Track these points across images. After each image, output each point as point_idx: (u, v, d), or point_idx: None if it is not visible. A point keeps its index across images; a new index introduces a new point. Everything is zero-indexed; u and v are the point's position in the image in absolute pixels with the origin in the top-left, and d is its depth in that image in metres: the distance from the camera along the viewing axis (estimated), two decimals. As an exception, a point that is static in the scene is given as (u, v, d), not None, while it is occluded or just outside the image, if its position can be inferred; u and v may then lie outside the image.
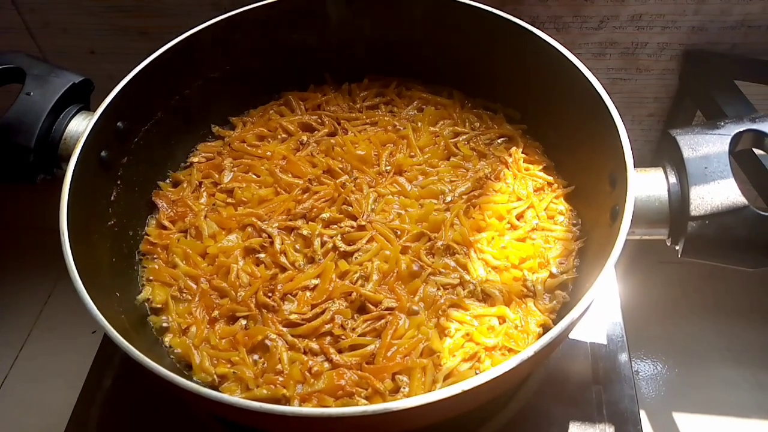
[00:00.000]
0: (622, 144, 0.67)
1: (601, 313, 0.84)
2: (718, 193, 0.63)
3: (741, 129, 0.67)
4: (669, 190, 0.67)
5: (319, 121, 0.92)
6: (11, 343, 1.46)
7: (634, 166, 0.66)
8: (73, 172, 0.69)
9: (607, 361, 0.80)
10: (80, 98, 0.80)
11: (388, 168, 0.85)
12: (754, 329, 1.38)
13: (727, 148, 0.65)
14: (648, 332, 1.36)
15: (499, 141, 0.89)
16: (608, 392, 0.77)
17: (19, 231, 1.61)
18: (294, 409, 0.52)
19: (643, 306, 1.35)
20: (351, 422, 0.51)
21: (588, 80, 0.73)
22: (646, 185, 0.68)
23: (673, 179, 0.67)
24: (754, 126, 0.67)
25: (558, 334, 0.55)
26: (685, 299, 1.43)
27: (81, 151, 0.71)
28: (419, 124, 0.90)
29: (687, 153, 0.66)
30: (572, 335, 0.83)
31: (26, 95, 0.75)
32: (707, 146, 0.66)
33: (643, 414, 1.25)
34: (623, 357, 0.80)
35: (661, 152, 0.71)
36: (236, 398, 0.52)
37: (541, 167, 0.85)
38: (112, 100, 0.76)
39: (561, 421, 0.75)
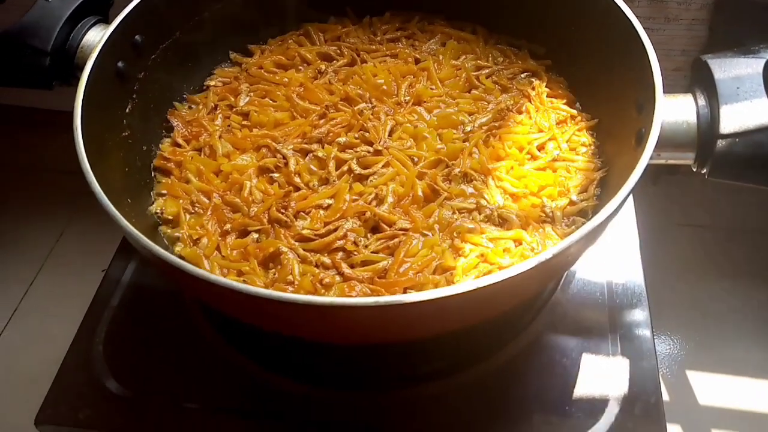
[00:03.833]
0: (651, 68, 0.66)
1: (618, 251, 0.82)
2: (750, 111, 0.61)
3: (776, 53, 0.64)
4: (698, 113, 0.64)
5: (338, 51, 0.90)
6: (21, 277, 1.47)
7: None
8: (89, 77, 0.68)
9: (623, 298, 0.78)
10: (99, 11, 0.79)
11: (407, 98, 0.83)
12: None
13: (761, 70, 0.63)
14: (665, 293, 1.33)
15: (522, 76, 0.87)
16: (624, 328, 0.75)
17: (34, 173, 1.62)
18: (298, 296, 0.49)
19: (660, 268, 1.32)
20: (362, 313, 0.49)
21: (617, 5, 0.71)
22: (675, 109, 0.65)
23: (702, 102, 0.65)
24: (791, 52, 0.64)
25: (577, 240, 0.53)
26: (703, 261, 1.41)
27: (97, 56, 0.70)
28: (441, 57, 0.88)
29: (719, 74, 0.64)
30: (589, 274, 0.81)
31: (45, 1, 0.74)
32: (740, 68, 0.64)
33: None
34: (641, 295, 0.78)
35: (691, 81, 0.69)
36: (236, 283, 0.50)
37: (564, 101, 0.83)
38: (129, 13, 0.75)
39: (574, 353, 0.73)
